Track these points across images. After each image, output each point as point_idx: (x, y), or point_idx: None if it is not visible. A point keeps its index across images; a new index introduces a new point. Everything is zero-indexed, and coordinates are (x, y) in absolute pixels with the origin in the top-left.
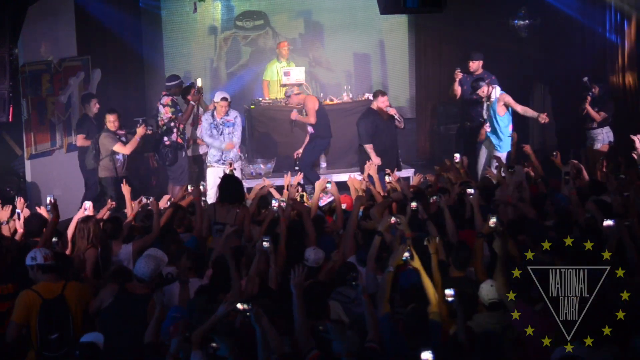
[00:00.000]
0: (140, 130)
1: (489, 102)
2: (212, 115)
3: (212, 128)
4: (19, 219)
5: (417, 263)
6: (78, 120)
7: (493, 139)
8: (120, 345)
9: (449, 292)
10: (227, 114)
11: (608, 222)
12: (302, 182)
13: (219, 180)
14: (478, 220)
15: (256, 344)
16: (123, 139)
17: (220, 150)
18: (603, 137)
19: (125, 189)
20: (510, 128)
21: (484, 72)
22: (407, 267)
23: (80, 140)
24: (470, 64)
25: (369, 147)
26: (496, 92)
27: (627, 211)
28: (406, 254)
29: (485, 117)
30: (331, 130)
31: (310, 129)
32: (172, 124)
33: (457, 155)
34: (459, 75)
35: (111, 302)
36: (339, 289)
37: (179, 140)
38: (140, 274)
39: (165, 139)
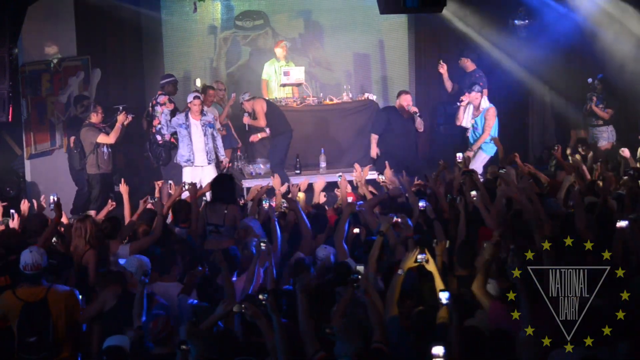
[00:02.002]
0: (121, 118)
1: (478, 111)
2: (187, 116)
3: (182, 127)
4: (12, 219)
5: (432, 267)
6: (68, 123)
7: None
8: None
9: (443, 294)
10: (204, 114)
11: (621, 223)
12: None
13: (193, 179)
14: (487, 219)
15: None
16: (103, 130)
17: (190, 151)
18: (608, 135)
19: (124, 189)
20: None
21: (477, 70)
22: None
23: (73, 143)
24: (459, 61)
25: (372, 137)
26: (484, 102)
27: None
28: (421, 257)
29: (468, 124)
30: (289, 123)
31: (267, 130)
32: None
33: (459, 155)
34: (443, 66)
35: (115, 303)
36: (337, 289)
37: (172, 139)
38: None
39: (159, 137)
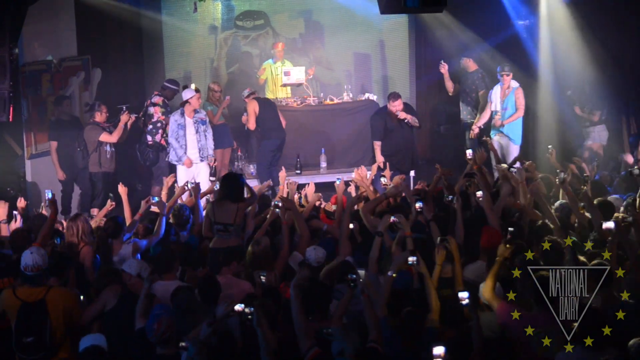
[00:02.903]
0: (124, 117)
1: (507, 91)
2: (182, 115)
3: (179, 129)
4: (15, 220)
5: (423, 269)
6: (50, 125)
7: (507, 131)
8: (129, 345)
9: (462, 295)
10: (197, 111)
11: (608, 224)
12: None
13: (187, 177)
14: (491, 220)
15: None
16: (107, 130)
17: (183, 150)
18: (594, 136)
19: (122, 190)
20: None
21: (479, 70)
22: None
23: (54, 147)
24: (461, 61)
25: (375, 145)
26: (514, 83)
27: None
28: (412, 259)
29: (498, 107)
30: (282, 129)
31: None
32: (159, 124)
33: (469, 152)
34: (444, 66)
35: (116, 303)
36: (338, 286)
37: (162, 142)
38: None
39: (149, 138)
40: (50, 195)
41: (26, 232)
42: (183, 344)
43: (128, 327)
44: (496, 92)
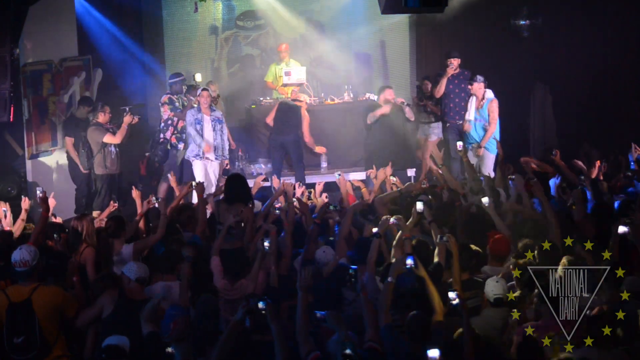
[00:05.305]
0: (127, 119)
1: (482, 102)
2: (199, 111)
3: (196, 123)
4: (5, 217)
5: (422, 272)
6: (65, 122)
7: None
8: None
9: (452, 295)
10: (213, 109)
11: (622, 229)
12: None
13: (204, 173)
14: (499, 225)
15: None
16: (110, 130)
17: (199, 146)
18: (438, 132)
19: (136, 194)
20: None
21: (462, 70)
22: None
23: (70, 143)
24: (452, 61)
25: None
26: (489, 94)
27: None
28: (410, 262)
29: (471, 117)
30: (290, 131)
31: None
32: (170, 121)
33: (459, 144)
34: (450, 71)
35: (113, 309)
36: (344, 290)
37: (173, 139)
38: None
39: (161, 135)
40: (40, 194)
41: (3, 232)
42: (169, 349)
43: (126, 333)
44: (472, 102)
